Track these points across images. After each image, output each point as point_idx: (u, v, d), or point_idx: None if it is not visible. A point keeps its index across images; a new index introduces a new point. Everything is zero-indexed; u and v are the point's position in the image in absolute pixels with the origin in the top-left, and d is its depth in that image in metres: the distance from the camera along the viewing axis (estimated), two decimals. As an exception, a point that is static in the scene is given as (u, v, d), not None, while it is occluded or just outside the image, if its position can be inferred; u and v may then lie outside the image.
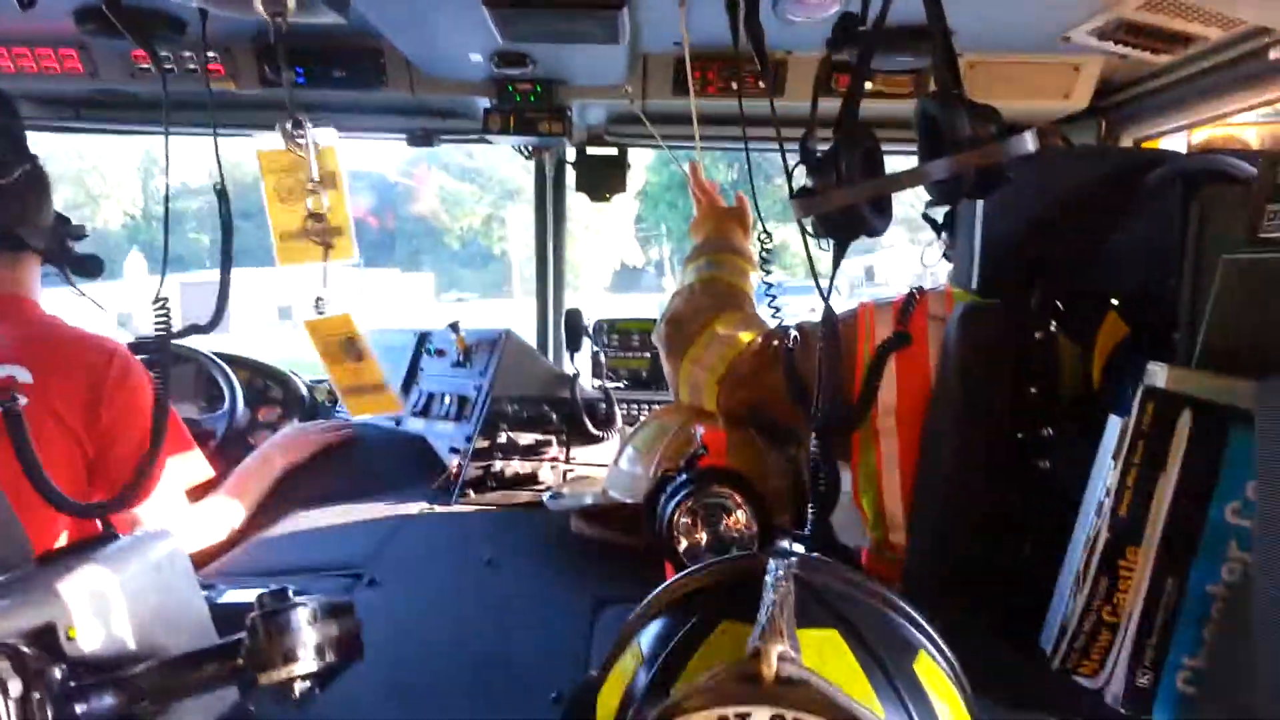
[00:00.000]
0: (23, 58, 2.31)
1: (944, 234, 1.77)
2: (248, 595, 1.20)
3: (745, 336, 1.77)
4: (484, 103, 2.37)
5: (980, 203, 1.38)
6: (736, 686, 0.60)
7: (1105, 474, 1.03)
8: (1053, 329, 1.33)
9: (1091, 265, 1.34)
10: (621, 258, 25.69)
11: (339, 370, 1.58)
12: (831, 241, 1.28)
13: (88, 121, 2.64)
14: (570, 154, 2.74)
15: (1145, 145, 2.36)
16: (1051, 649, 1.06)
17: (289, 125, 1.35)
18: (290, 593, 0.89)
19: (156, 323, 1.32)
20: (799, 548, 1.12)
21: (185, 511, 1.97)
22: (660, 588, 0.78)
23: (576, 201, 2.86)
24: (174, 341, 1.62)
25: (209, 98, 2.22)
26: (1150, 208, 1.29)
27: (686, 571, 0.79)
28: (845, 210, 1.21)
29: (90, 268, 2.00)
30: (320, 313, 1.50)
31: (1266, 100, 2.00)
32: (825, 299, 1.34)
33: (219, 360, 2.72)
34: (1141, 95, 2.24)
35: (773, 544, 0.79)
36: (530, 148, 2.77)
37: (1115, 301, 1.31)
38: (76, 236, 1.99)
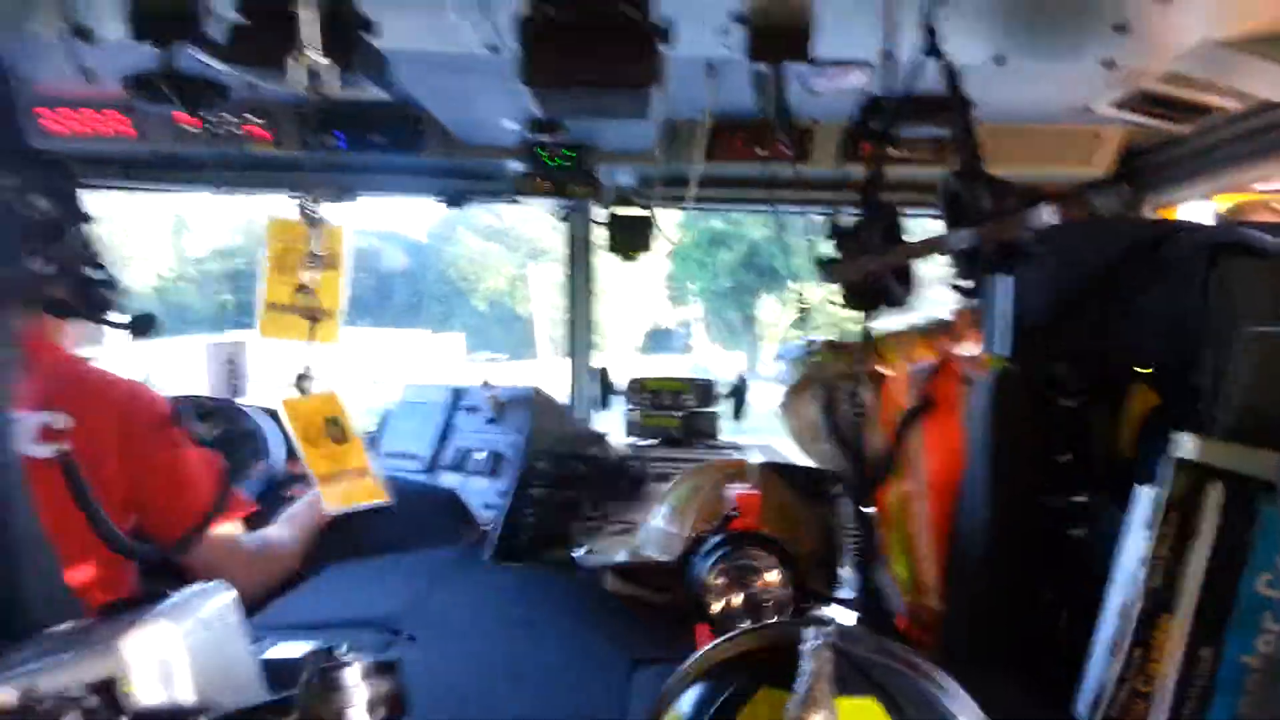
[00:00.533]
0: (74, 120, 2.40)
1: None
2: (293, 649, 1.24)
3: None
4: (516, 165, 2.44)
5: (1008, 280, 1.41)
6: None
7: (1138, 543, 1.04)
8: (1081, 398, 1.35)
9: (1120, 334, 1.36)
10: (654, 319, 25.85)
11: (316, 455, 1.54)
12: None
13: (134, 181, 2.74)
14: (599, 214, 2.80)
15: (1165, 211, 2.39)
16: (1087, 717, 1.06)
17: (310, 198, 1.38)
18: (338, 650, 0.92)
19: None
20: (839, 610, 1.15)
21: (245, 548, 2.02)
22: (699, 653, 0.81)
23: (605, 262, 2.92)
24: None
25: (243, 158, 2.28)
26: (1174, 278, 1.31)
27: (725, 637, 0.81)
28: (870, 279, 1.25)
29: (144, 326, 2.04)
30: (303, 391, 1.48)
31: (1289, 169, 2.03)
32: (857, 364, 1.37)
33: (252, 412, 2.76)
34: (1164, 162, 2.28)
35: (809, 611, 0.81)
36: (561, 209, 2.83)
37: (1144, 370, 1.33)
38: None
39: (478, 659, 1.57)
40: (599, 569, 1.94)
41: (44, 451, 1.72)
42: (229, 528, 2.01)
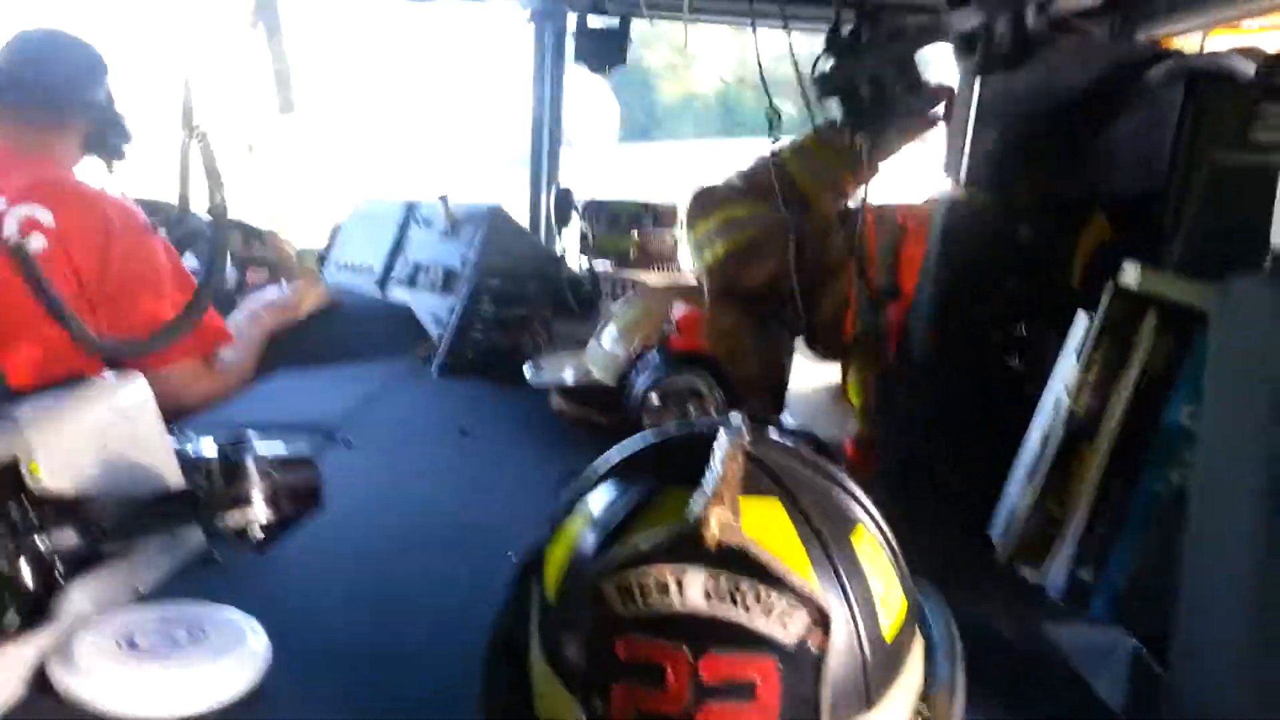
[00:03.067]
0: None
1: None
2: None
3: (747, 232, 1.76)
4: None
5: (975, 93, 1.35)
6: (676, 548, 0.61)
7: (1067, 370, 1.03)
8: (1039, 228, 1.31)
9: (1084, 164, 1.32)
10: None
11: None
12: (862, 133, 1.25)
13: None
14: (571, 24, 2.65)
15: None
16: (1000, 539, 1.08)
17: None
18: (250, 441, 0.90)
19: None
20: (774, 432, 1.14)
21: (205, 370, 2.07)
22: (612, 452, 0.79)
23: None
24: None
25: None
26: (1149, 106, 1.26)
27: (637, 436, 0.80)
28: (872, 86, 1.17)
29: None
30: None
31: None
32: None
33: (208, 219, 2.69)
34: None
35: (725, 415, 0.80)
36: (530, 13, 2.69)
37: (1106, 201, 1.29)
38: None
39: (412, 467, 1.57)
40: (546, 388, 1.93)
41: (28, 244, 1.79)
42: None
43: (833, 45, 1.18)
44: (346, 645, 1.00)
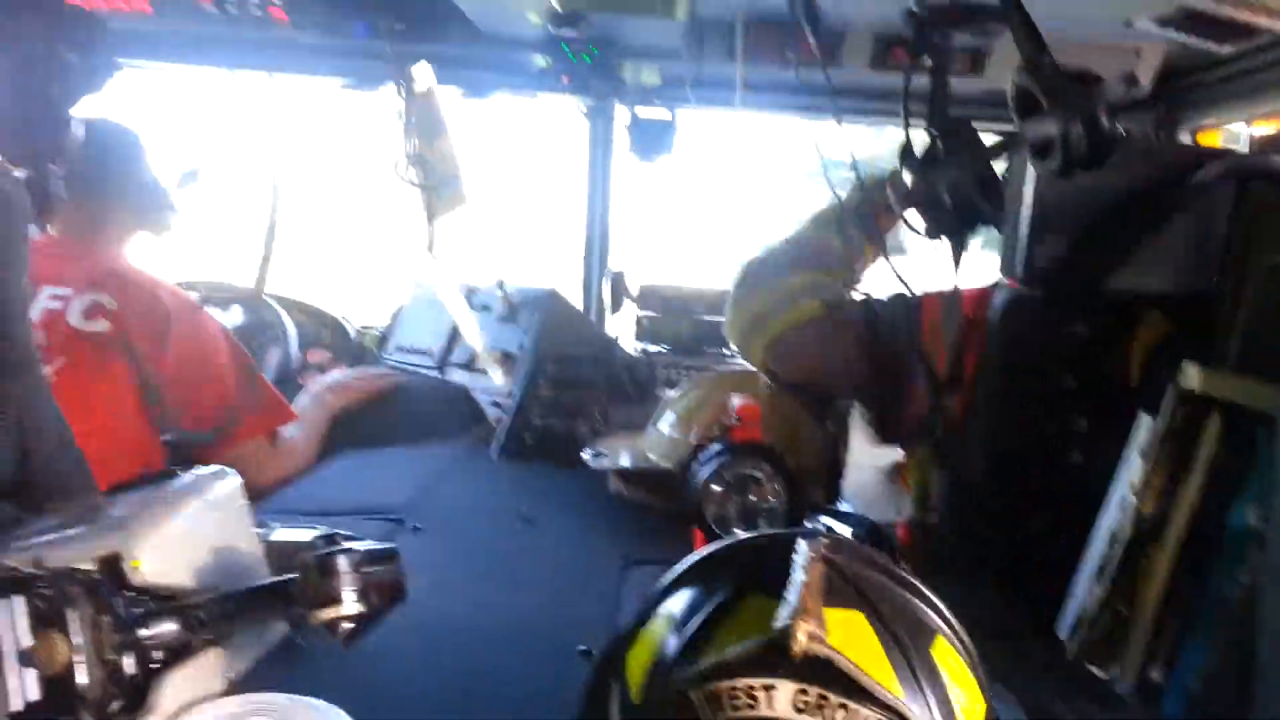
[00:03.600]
0: None
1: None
2: (298, 535, 1.26)
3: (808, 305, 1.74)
4: (539, 59, 2.39)
5: (1029, 191, 1.38)
6: (765, 659, 0.63)
7: (1133, 470, 1.05)
8: (1095, 324, 1.33)
9: (1139, 261, 1.34)
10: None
11: None
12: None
13: (151, 60, 2.69)
14: (623, 116, 2.74)
15: (1202, 136, 2.32)
16: (1068, 638, 1.08)
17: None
18: (339, 538, 0.94)
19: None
20: (836, 523, 1.16)
21: (271, 450, 2.11)
22: (693, 556, 0.82)
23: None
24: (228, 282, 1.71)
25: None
26: (1201, 204, 1.28)
27: (719, 543, 0.83)
28: (955, 198, 1.20)
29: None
30: None
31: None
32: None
33: (273, 302, 2.79)
34: (1203, 84, 2.20)
35: (803, 522, 0.82)
36: (584, 107, 2.78)
37: (1160, 299, 1.31)
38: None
39: (478, 552, 1.61)
40: (604, 472, 1.97)
41: (93, 327, 1.87)
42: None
43: (906, 159, 1.22)
44: None
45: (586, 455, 2.02)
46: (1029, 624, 1.17)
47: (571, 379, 2.37)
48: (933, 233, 1.24)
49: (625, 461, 1.93)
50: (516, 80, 2.64)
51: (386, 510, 1.73)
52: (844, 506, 1.72)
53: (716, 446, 1.44)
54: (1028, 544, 1.27)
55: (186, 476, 1.14)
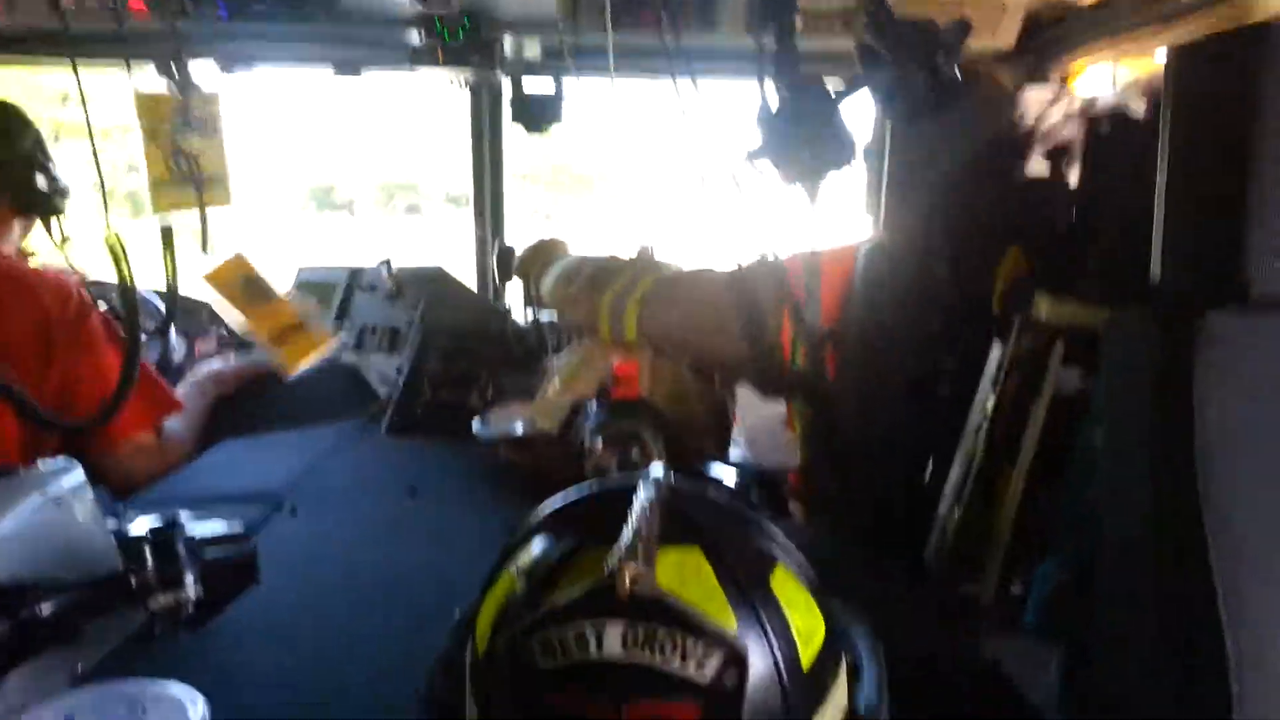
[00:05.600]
0: None
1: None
2: (151, 524, 1.22)
3: (663, 272, 1.80)
4: (413, 37, 2.33)
5: (887, 142, 1.40)
6: (595, 602, 0.63)
7: (985, 398, 1.07)
8: (956, 266, 1.36)
9: (998, 203, 1.37)
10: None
11: (256, 318, 1.56)
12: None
13: (7, 58, 2.57)
14: (506, 87, 2.70)
15: (1071, 81, 2.38)
16: (932, 559, 1.11)
17: (172, 64, 1.32)
18: (181, 522, 0.91)
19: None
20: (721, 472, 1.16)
21: (156, 443, 2.04)
22: (540, 510, 0.81)
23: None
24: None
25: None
26: (1056, 146, 1.31)
27: (565, 495, 0.82)
28: (806, 145, 1.20)
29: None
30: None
31: (1189, 32, 2.02)
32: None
33: (153, 296, 2.70)
34: (1067, 32, 2.25)
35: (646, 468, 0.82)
36: (465, 81, 2.72)
37: (1018, 237, 1.34)
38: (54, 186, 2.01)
39: (358, 528, 1.58)
40: (496, 440, 1.94)
41: None
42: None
43: (761, 113, 1.21)
44: (287, 712, 1.00)
45: (475, 425, 2.00)
46: (897, 553, 1.19)
47: (460, 351, 2.34)
48: (788, 178, 1.25)
49: (515, 429, 1.91)
50: (391, 57, 2.58)
51: (263, 494, 1.68)
52: (734, 456, 1.74)
53: (593, 405, 1.43)
54: (900, 478, 1.29)
55: (24, 472, 1.08)
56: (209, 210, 1.60)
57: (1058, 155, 1.31)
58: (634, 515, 0.68)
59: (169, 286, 1.49)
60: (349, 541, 1.51)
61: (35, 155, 1.97)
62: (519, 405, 2.05)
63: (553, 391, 1.92)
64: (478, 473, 1.89)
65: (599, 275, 1.89)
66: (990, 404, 1.05)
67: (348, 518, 1.63)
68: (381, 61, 2.62)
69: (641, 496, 0.71)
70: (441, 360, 2.31)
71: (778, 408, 2.29)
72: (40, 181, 1.96)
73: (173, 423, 2.11)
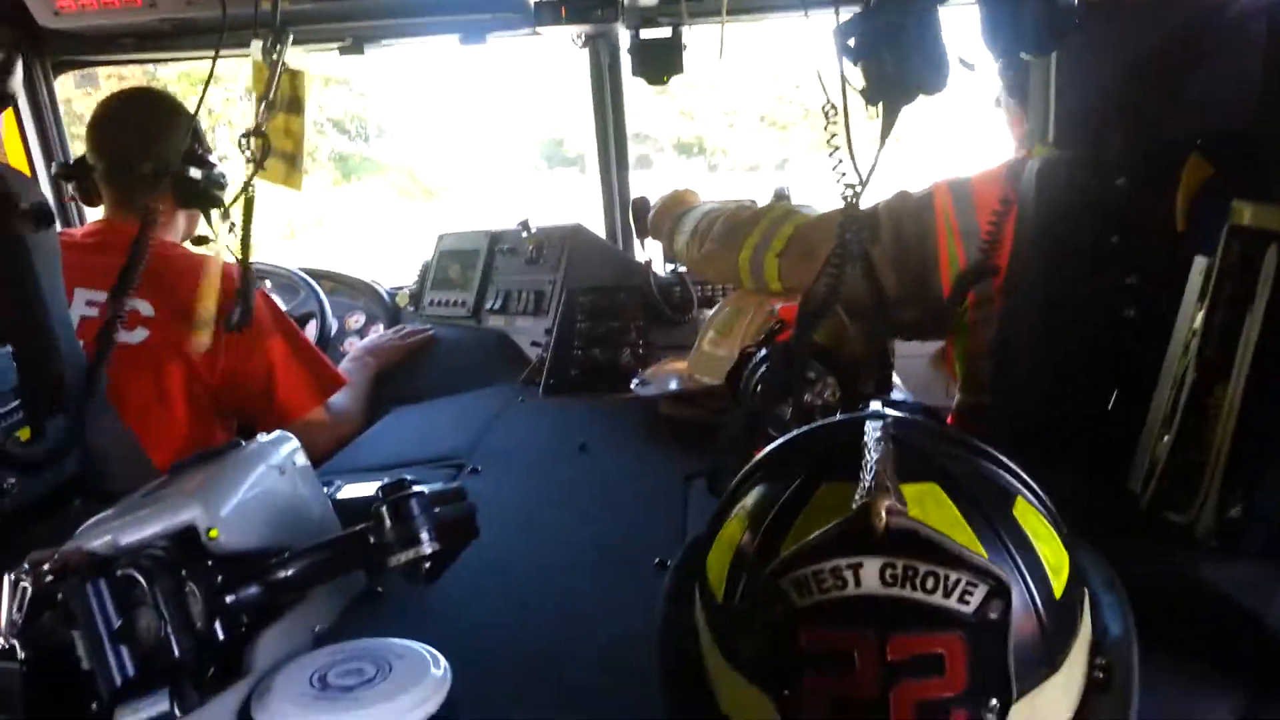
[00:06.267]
0: None
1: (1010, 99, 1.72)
2: (364, 489, 1.28)
3: (801, 218, 1.78)
4: None
5: (1053, 57, 1.34)
6: (848, 539, 0.63)
7: (1190, 315, 1.03)
8: (1134, 176, 1.30)
9: (1172, 109, 1.30)
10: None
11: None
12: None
13: (148, 52, 2.69)
14: (624, 39, 2.69)
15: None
16: (1141, 490, 1.07)
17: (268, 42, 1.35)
18: (406, 483, 0.95)
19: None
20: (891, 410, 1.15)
21: (327, 419, 2.13)
22: (760, 455, 0.82)
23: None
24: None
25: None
26: (1233, 42, 1.24)
27: (784, 438, 0.82)
28: (898, 67, 1.17)
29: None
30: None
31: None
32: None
33: (305, 275, 2.83)
34: None
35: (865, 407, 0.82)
36: (583, 36, 2.72)
37: (1199, 142, 1.27)
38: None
39: (539, 485, 1.63)
40: (654, 398, 1.97)
41: (132, 338, 1.84)
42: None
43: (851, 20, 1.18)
44: (515, 663, 1.05)
45: (634, 385, 2.02)
46: (1100, 488, 1.16)
47: (606, 309, 2.37)
48: (871, 97, 1.21)
49: (674, 385, 1.93)
50: (513, 20, 2.60)
51: (445, 457, 1.75)
52: (896, 395, 1.72)
53: (762, 352, 1.42)
54: (1088, 406, 1.25)
55: (249, 445, 1.15)
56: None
57: (1237, 52, 1.23)
58: (870, 452, 0.68)
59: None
60: (534, 498, 1.56)
61: (192, 149, 2.03)
62: (673, 361, 2.07)
63: (708, 344, 1.92)
64: (641, 427, 1.92)
65: (733, 230, 1.87)
66: (1200, 320, 1.01)
67: (526, 476, 1.68)
68: (503, 27, 2.65)
69: (872, 433, 0.71)
70: (588, 318, 2.35)
71: (923, 348, 2.24)
72: (196, 175, 2.02)
73: (340, 397, 2.20)
